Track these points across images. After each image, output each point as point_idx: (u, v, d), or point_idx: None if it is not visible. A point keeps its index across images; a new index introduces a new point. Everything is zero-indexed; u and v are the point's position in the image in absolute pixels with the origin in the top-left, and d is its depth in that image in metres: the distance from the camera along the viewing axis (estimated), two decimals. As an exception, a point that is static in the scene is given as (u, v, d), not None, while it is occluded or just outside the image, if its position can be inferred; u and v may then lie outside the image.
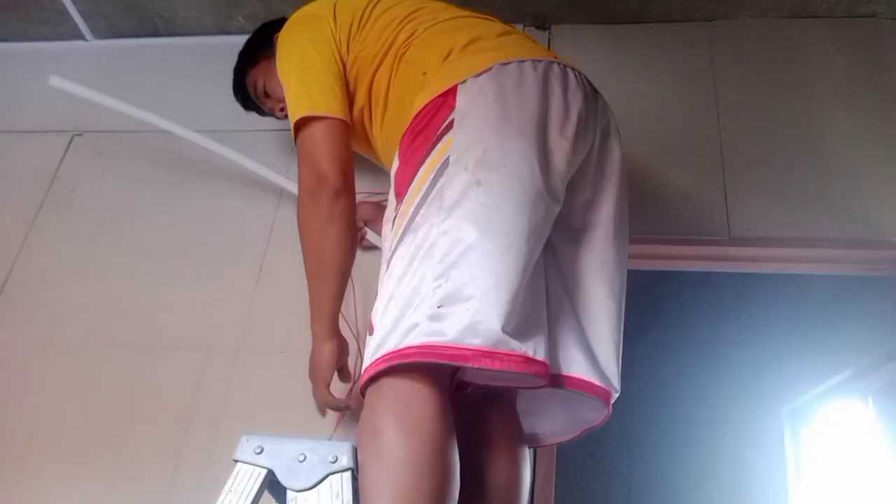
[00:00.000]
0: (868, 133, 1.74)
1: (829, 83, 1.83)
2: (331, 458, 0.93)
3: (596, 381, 1.05)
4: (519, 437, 1.18)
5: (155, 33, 2.19)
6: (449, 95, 1.07)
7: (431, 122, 1.07)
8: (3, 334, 1.72)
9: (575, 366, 1.05)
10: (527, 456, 1.18)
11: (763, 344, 2.96)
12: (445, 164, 1.01)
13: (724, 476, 3.14)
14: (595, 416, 1.12)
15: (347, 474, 0.92)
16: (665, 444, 3.70)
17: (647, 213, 1.70)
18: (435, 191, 0.99)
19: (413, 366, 0.91)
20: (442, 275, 0.92)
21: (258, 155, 1.89)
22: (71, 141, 2.01)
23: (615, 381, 1.07)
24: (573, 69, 1.16)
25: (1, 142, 2.05)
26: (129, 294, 1.73)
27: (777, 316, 2.89)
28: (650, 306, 3.65)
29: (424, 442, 0.89)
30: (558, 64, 1.14)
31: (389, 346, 0.91)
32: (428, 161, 1.03)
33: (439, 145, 1.03)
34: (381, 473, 0.88)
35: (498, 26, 1.29)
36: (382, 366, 0.90)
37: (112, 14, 2.13)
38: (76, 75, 2.14)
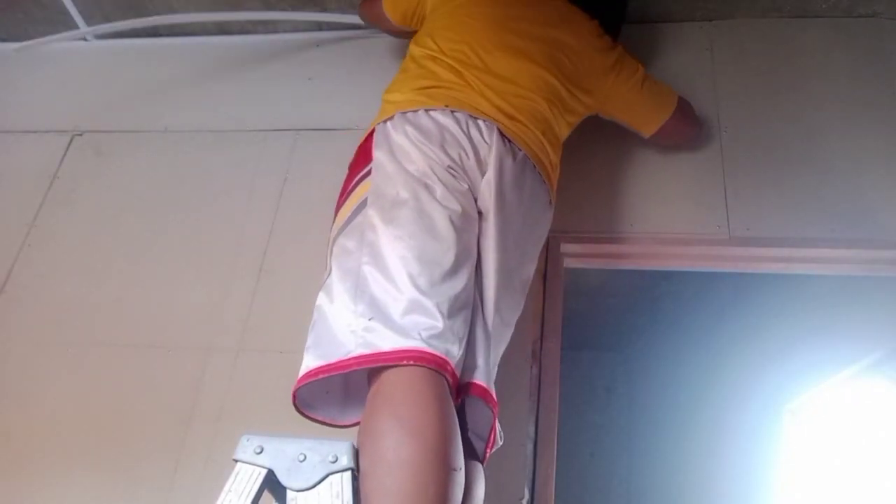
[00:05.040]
0: (868, 133, 1.74)
1: (829, 83, 1.82)
2: (331, 458, 0.93)
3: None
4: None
5: (155, 33, 2.19)
6: (370, 142, 1.27)
7: (358, 163, 1.27)
8: (3, 334, 1.72)
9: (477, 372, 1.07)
10: (478, 471, 1.14)
11: (763, 344, 2.96)
12: (363, 203, 1.17)
13: (723, 475, 3.14)
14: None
15: (347, 474, 0.92)
16: (665, 443, 3.70)
17: (647, 213, 1.71)
18: (353, 225, 1.16)
19: (414, 368, 0.92)
20: (364, 297, 1.04)
21: (258, 154, 1.90)
22: (71, 141, 2.01)
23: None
24: (466, 113, 1.26)
25: (1, 142, 2.05)
26: (129, 294, 1.73)
27: (777, 316, 2.89)
28: (650, 306, 3.65)
29: (427, 445, 0.89)
30: (451, 111, 1.26)
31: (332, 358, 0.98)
32: (352, 197, 1.21)
33: (359, 186, 1.21)
34: (383, 479, 0.87)
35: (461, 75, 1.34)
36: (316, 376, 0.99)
37: (111, 13, 2.13)
38: (76, 75, 2.16)
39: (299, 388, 1.01)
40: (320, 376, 0.99)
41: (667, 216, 1.70)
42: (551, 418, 1.53)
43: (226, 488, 0.91)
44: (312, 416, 1.10)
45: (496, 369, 1.18)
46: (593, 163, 1.78)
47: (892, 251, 1.62)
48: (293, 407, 1.05)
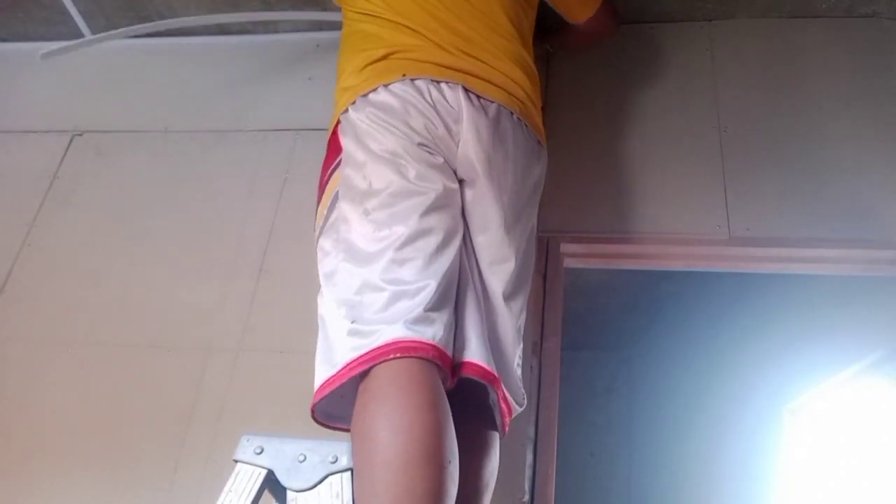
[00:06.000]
0: (868, 133, 1.74)
1: (829, 83, 1.82)
2: (331, 458, 0.93)
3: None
4: (483, 423, 1.15)
5: (155, 33, 2.18)
6: (337, 135, 1.24)
7: (329, 157, 1.26)
8: (3, 334, 1.72)
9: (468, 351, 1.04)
10: (493, 441, 1.15)
11: (763, 344, 2.96)
12: (336, 197, 1.16)
13: (723, 475, 3.14)
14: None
15: (347, 474, 0.92)
16: (665, 443, 3.70)
17: (647, 213, 1.71)
18: (329, 223, 1.16)
19: (401, 361, 0.92)
20: (346, 300, 1.03)
21: (258, 154, 1.90)
22: (71, 141, 2.01)
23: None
24: (427, 78, 1.20)
25: (1, 142, 2.05)
26: (129, 294, 1.73)
27: (777, 316, 2.89)
28: (650, 306, 3.65)
29: (415, 441, 0.87)
30: (410, 80, 1.20)
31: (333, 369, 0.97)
32: (326, 192, 1.21)
33: (331, 180, 1.20)
34: (371, 479, 0.86)
35: (427, 28, 1.27)
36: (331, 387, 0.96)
37: (112, 14, 2.12)
38: (76, 75, 2.16)
39: (317, 403, 0.99)
40: (326, 391, 0.97)
41: (667, 216, 1.70)
42: (551, 418, 1.53)
43: (226, 488, 0.91)
44: (334, 425, 1.07)
45: (520, 339, 1.16)
46: (593, 162, 1.78)
47: (892, 251, 1.62)
48: (314, 422, 1.03)
